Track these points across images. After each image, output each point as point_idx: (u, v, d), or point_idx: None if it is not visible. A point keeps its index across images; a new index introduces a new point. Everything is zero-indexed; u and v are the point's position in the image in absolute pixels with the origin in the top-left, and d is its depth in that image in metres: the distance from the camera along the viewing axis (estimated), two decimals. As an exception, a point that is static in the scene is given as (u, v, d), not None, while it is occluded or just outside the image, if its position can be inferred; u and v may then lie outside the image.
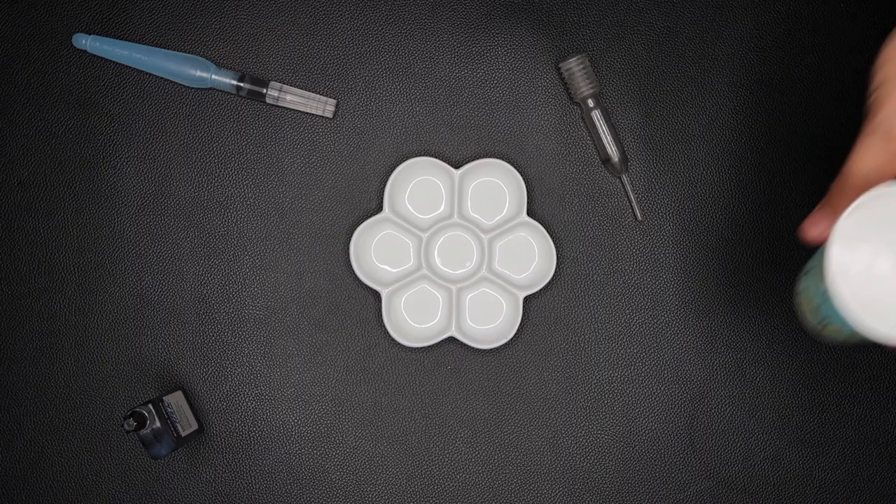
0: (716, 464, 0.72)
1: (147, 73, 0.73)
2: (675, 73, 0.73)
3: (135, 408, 0.65)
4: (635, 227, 0.73)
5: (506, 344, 0.72)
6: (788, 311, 0.72)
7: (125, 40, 0.72)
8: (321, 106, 0.72)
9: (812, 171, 0.73)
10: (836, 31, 0.72)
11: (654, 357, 0.72)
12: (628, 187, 0.71)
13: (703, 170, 0.73)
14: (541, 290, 0.72)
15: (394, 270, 0.72)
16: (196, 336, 0.73)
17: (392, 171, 0.72)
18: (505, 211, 0.72)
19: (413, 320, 0.72)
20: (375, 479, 0.72)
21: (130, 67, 0.73)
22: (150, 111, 0.73)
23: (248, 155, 0.73)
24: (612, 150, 0.71)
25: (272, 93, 0.71)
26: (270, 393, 0.73)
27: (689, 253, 0.73)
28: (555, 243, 0.72)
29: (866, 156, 0.50)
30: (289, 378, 0.73)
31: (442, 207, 0.72)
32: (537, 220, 0.72)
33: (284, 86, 0.72)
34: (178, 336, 0.73)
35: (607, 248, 0.73)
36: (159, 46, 0.73)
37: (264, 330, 0.73)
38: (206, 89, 0.73)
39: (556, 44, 0.73)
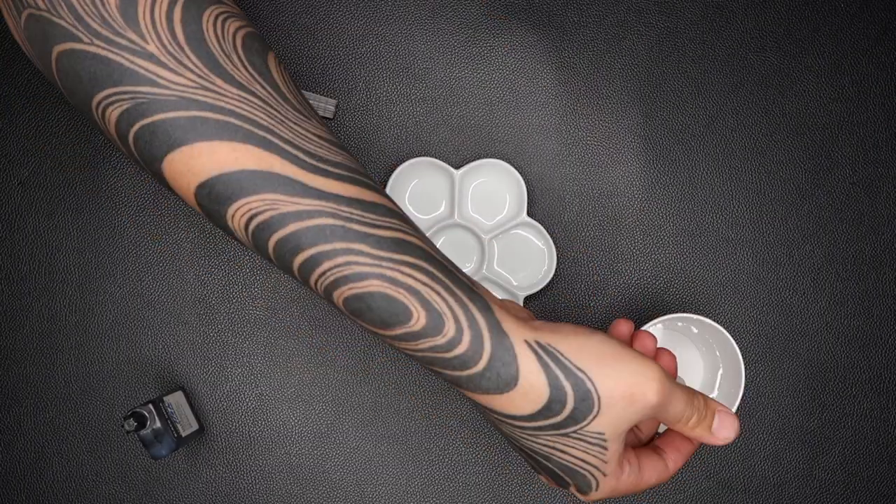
0: (716, 464, 0.72)
1: (147, 73, 0.73)
2: (676, 73, 0.73)
3: (135, 408, 0.65)
4: (635, 226, 0.73)
5: (506, 344, 0.72)
6: (788, 310, 0.72)
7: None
8: (321, 106, 0.72)
9: (812, 172, 0.73)
10: (836, 31, 0.72)
11: (654, 357, 0.72)
12: None
13: (703, 170, 0.73)
14: (541, 290, 0.72)
15: (394, 270, 0.72)
16: (196, 336, 0.73)
17: (392, 171, 0.72)
18: (505, 211, 0.72)
19: (413, 320, 0.72)
20: (375, 479, 0.72)
21: (130, 67, 0.73)
22: (151, 111, 0.73)
23: (249, 155, 0.73)
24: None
25: (272, 93, 0.71)
26: (271, 393, 0.73)
27: (688, 253, 0.73)
28: (555, 243, 0.72)
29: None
30: (289, 378, 0.73)
31: (442, 207, 0.72)
32: (537, 221, 0.72)
33: (284, 86, 0.72)
34: (178, 336, 0.73)
35: (607, 248, 0.73)
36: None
37: (264, 330, 0.73)
38: (206, 89, 0.73)
39: (556, 44, 0.73)
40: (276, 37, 0.73)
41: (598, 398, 0.48)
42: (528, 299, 0.72)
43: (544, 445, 0.49)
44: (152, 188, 0.73)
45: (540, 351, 0.48)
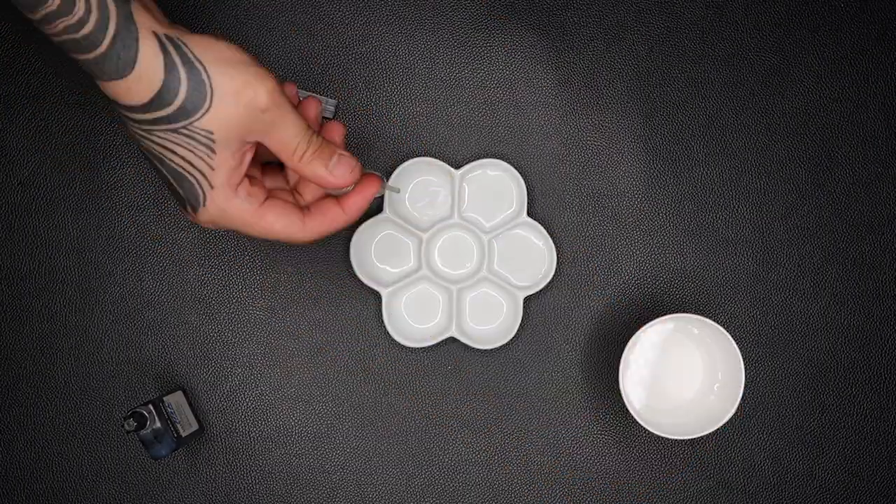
0: (716, 464, 0.72)
1: (147, 73, 0.73)
2: (676, 73, 0.73)
3: (135, 408, 0.65)
4: (635, 226, 0.73)
5: (506, 344, 0.72)
6: (788, 310, 0.72)
7: (125, 40, 0.72)
8: (321, 106, 0.72)
9: (811, 172, 0.73)
10: (836, 31, 0.72)
11: (654, 357, 0.72)
12: None
13: (703, 170, 0.73)
14: (541, 290, 0.72)
15: (394, 271, 0.72)
16: (196, 336, 0.73)
17: (392, 171, 0.72)
18: (505, 211, 0.72)
19: (413, 320, 0.72)
20: (375, 479, 0.72)
21: (130, 67, 0.73)
22: (150, 111, 0.73)
23: (249, 155, 0.73)
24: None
25: (272, 93, 0.71)
26: (270, 393, 0.73)
27: (688, 253, 0.73)
28: (555, 243, 0.72)
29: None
30: (289, 378, 0.73)
31: (442, 207, 0.72)
32: (537, 221, 0.72)
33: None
34: (178, 336, 0.73)
35: (607, 248, 0.73)
36: (159, 46, 0.73)
37: (264, 330, 0.73)
38: (206, 89, 0.73)
39: (556, 44, 0.73)
40: (276, 37, 0.73)
41: (211, 91, 0.51)
42: (528, 299, 0.72)
43: (157, 144, 0.52)
44: (152, 188, 0.73)
45: (164, 40, 0.51)
